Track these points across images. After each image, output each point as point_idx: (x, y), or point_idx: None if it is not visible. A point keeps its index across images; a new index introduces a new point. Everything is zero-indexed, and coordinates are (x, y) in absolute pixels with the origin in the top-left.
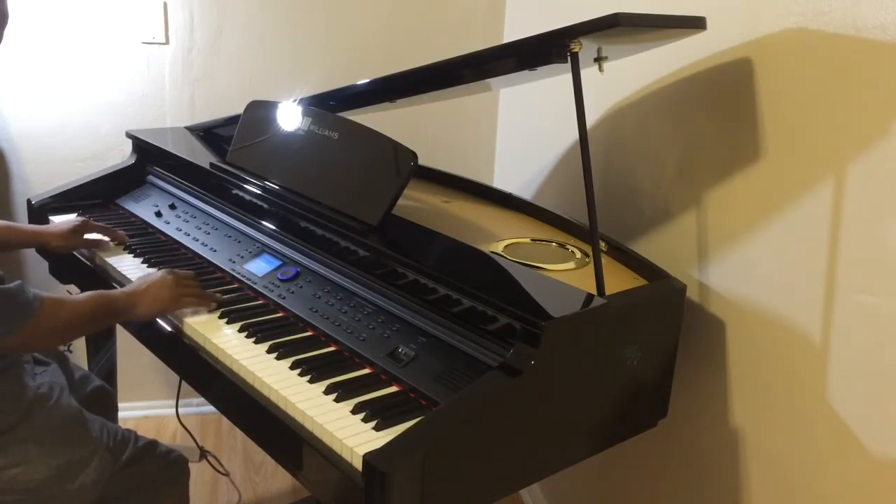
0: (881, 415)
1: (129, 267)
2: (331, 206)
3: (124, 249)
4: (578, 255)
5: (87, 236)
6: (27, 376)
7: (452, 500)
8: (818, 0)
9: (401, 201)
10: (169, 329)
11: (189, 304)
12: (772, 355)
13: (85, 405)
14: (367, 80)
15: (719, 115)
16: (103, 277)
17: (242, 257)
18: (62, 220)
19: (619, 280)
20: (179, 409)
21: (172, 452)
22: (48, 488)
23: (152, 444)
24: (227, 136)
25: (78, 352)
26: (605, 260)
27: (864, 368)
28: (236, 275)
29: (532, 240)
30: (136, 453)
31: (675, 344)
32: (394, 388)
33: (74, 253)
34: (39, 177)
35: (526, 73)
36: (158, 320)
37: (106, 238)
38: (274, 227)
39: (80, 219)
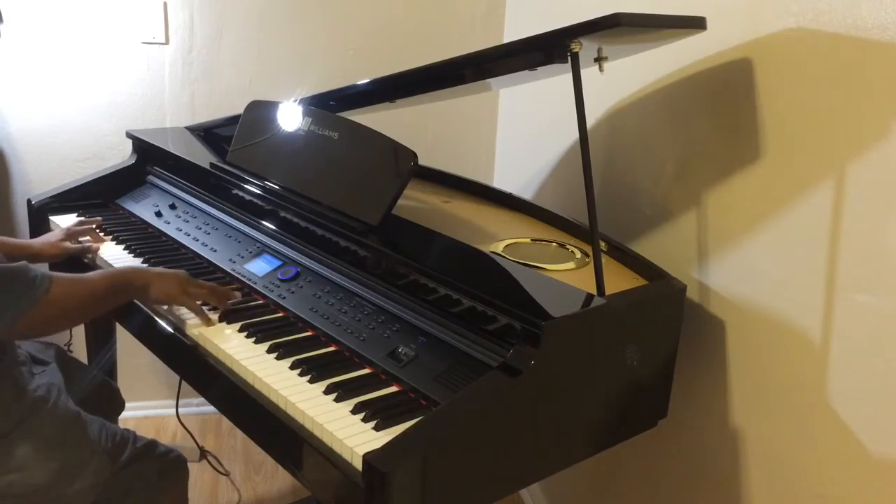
0: (881, 415)
1: None
2: (331, 206)
3: (124, 249)
4: (578, 255)
5: (80, 239)
6: (25, 379)
7: (452, 500)
8: (818, 0)
9: (401, 201)
10: (169, 329)
11: (196, 298)
12: (772, 355)
13: (86, 403)
14: (368, 80)
15: (719, 116)
16: None
17: (242, 257)
18: (47, 235)
19: (619, 280)
20: (179, 410)
21: (171, 452)
22: (46, 492)
23: (151, 444)
24: (227, 136)
25: (78, 348)
26: (605, 260)
27: (864, 368)
28: (236, 275)
29: (532, 240)
30: (135, 453)
31: (675, 344)
32: (394, 388)
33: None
34: (39, 177)
35: (526, 73)
36: (159, 320)
37: (95, 244)
38: (274, 227)
39: (64, 228)
